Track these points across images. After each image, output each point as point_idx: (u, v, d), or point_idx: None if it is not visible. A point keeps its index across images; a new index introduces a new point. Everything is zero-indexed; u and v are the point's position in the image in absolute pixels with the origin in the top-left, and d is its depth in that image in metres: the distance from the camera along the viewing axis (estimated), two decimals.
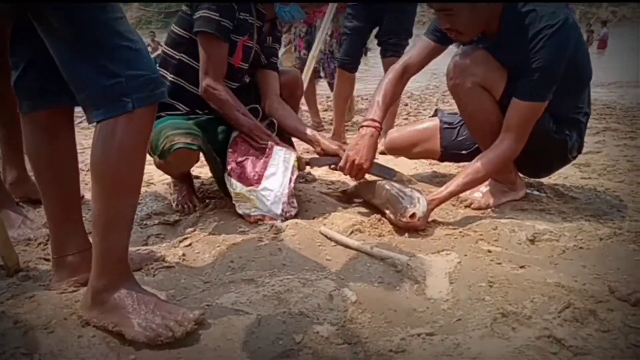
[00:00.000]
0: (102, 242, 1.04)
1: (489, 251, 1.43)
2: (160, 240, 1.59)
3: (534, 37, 1.47)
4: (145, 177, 2.22)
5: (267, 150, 1.67)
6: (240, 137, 1.72)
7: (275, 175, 1.62)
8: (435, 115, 2.17)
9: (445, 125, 2.03)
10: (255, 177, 1.62)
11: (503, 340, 1.00)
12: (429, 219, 1.60)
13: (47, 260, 1.40)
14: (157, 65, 1.77)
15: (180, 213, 1.78)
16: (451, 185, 1.58)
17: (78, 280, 1.23)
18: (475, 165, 1.57)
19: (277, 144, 1.72)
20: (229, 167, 1.66)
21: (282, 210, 1.62)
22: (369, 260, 1.36)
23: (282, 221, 1.62)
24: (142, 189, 2.11)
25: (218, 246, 1.47)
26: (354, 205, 1.83)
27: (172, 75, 1.75)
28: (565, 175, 2.27)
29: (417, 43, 1.84)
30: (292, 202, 1.66)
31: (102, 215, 1.02)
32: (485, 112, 1.67)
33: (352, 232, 1.56)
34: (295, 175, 1.66)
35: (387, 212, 1.54)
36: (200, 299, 1.17)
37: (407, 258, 1.28)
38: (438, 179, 2.22)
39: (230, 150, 1.69)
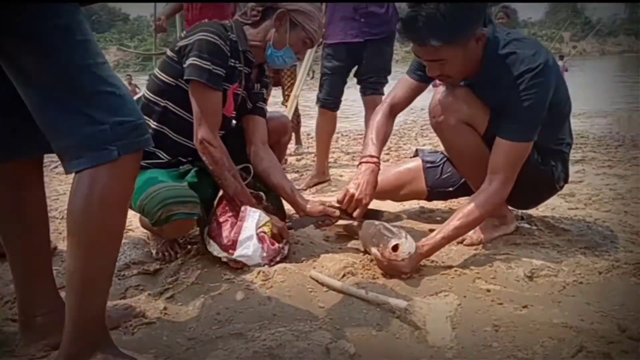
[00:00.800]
0: (77, 302, 0.94)
1: (488, 290, 1.38)
2: (140, 291, 1.47)
3: (515, 80, 1.47)
4: None
5: (241, 213, 1.57)
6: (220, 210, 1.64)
7: (252, 239, 1.52)
8: (416, 155, 2.16)
9: (428, 165, 2.01)
10: (230, 243, 1.53)
11: None
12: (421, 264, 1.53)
13: (15, 321, 1.28)
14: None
15: (160, 261, 1.67)
16: (442, 231, 1.52)
17: (48, 344, 1.12)
18: (467, 209, 1.53)
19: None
20: (209, 226, 1.59)
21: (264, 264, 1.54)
22: (364, 305, 1.28)
23: (270, 266, 1.54)
24: None
25: (202, 297, 1.37)
26: (343, 246, 1.76)
27: (155, 123, 1.66)
28: (552, 207, 2.26)
29: (400, 82, 1.83)
30: (282, 249, 1.58)
31: (79, 272, 0.93)
32: (470, 148, 1.66)
33: (344, 276, 1.48)
34: (266, 241, 1.56)
35: (373, 248, 1.47)
36: (185, 359, 1.07)
37: (405, 303, 1.21)
38: (426, 215, 2.17)
39: (216, 208, 1.62)
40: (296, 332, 1.14)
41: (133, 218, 2.02)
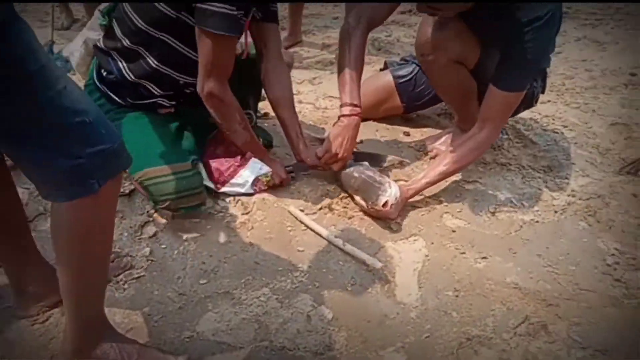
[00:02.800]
0: (75, 309, 0.98)
1: (454, 231, 1.50)
2: (120, 220, 1.50)
3: (521, 28, 1.32)
4: None
5: (243, 159, 1.52)
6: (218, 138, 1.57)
7: (245, 185, 1.52)
8: (385, 68, 2.02)
9: (400, 80, 1.93)
10: (221, 179, 1.51)
11: None
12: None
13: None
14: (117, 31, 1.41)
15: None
16: (428, 175, 1.53)
17: (46, 305, 1.20)
18: (455, 155, 1.50)
19: (268, 158, 1.57)
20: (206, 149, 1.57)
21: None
22: (341, 256, 1.39)
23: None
24: None
25: (185, 239, 1.42)
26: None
27: (152, 59, 1.40)
28: None
29: None
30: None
31: (73, 289, 0.95)
32: (459, 84, 1.60)
33: (320, 209, 1.55)
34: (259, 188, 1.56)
35: (358, 198, 1.51)
36: (179, 324, 1.18)
37: (380, 265, 1.32)
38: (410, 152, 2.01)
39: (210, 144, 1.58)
40: (280, 295, 1.25)
41: None
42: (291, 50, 2.78)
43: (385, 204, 1.43)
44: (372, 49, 2.82)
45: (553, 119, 2.14)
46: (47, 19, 3.06)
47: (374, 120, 2.07)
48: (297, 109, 2.14)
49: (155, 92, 1.48)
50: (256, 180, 1.53)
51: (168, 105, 1.53)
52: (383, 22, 1.62)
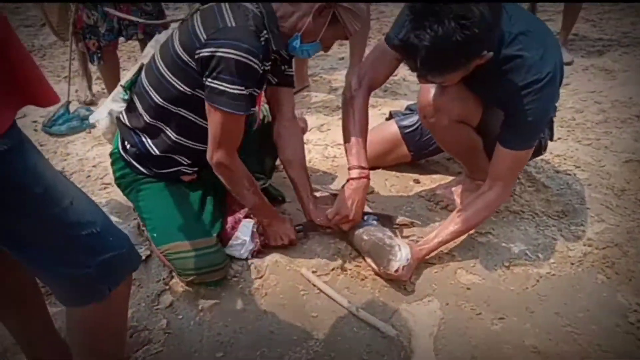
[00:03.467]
0: None
1: (469, 288, 1.48)
2: (137, 288, 1.52)
3: (520, 90, 1.34)
4: (102, 180, 2.05)
5: (234, 223, 1.56)
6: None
7: (244, 245, 1.56)
8: (390, 117, 2.05)
9: (406, 130, 1.95)
10: (223, 242, 1.57)
11: None
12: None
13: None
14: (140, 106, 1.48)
15: (150, 242, 1.68)
16: (440, 235, 1.52)
17: None
18: (465, 214, 1.51)
19: (277, 219, 1.60)
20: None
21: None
22: (355, 321, 1.39)
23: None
24: (100, 199, 1.96)
25: (201, 307, 1.44)
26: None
27: (173, 133, 1.48)
28: None
29: (380, 53, 1.56)
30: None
31: None
32: (464, 141, 1.63)
33: (333, 269, 1.56)
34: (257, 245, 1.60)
35: (369, 261, 1.52)
36: None
37: (394, 332, 1.31)
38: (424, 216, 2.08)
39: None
40: None
41: (112, 188, 1.94)
42: (299, 94, 2.82)
43: (396, 269, 1.42)
44: (378, 91, 2.84)
45: (565, 159, 2.13)
46: (64, 74, 3.16)
47: (383, 168, 2.08)
48: (306, 158, 2.20)
49: (180, 161, 1.54)
50: (253, 235, 1.56)
51: (191, 172, 1.58)
52: (384, 82, 1.65)
